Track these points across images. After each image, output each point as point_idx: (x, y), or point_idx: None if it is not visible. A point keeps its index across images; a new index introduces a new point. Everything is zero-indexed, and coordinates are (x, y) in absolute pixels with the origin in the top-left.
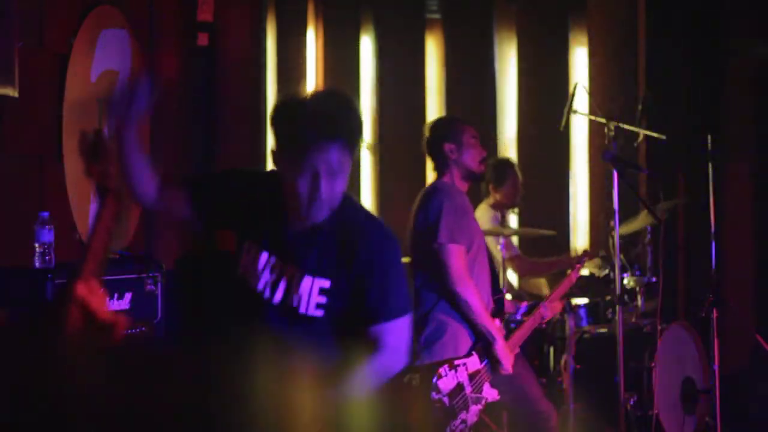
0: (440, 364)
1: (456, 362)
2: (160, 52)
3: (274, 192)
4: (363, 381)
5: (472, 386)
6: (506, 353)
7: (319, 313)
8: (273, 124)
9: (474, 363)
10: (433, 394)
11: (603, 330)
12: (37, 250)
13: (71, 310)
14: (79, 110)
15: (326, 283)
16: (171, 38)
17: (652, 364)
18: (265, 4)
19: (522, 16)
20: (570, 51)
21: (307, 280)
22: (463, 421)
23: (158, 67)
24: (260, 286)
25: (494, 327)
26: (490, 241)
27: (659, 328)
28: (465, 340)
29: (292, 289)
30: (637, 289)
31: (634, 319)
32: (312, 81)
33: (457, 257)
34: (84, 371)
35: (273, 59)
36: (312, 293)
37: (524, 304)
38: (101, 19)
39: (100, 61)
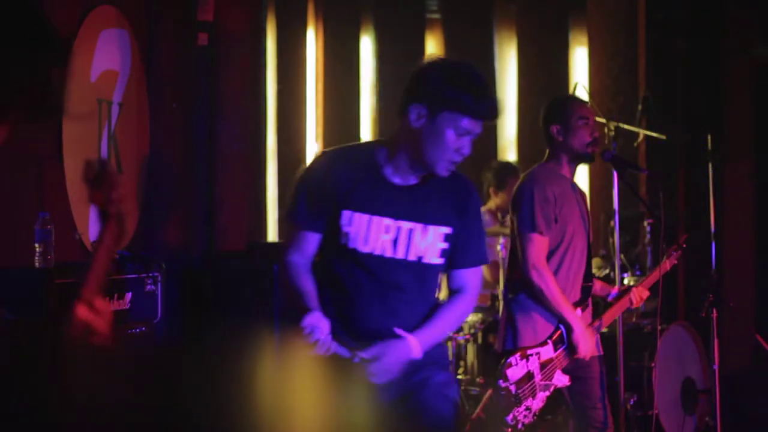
0: (512, 352)
1: (529, 351)
2: (160, 52)
3: (360, 161)
4: (458, 319)
5: (542, 374)
6: (585, 340)
7: (441, 260)
8: (429, 82)
9: (548, 351)
10: (501, 381)
11: (603, 330)
12: (37, 250)
13: (70, 330)
14: (79, 110)
15: (449, 230)
16: (171, 38)
17: (652, 364)
18: (265, 4)
19: (522, 16)
20: (570, 51)
21: (430, 230)
22: (528, 408)
23: (158, 67)
24: (376, 248)
25: (573, 315)
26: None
27: (659, 328)
28: (542, 328)
29: (415, 242)
30: None
31: (634, 319)
32: (312, 81)
33: (535, 246)
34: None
35: (273, 59)
36: (436, 241)
37: (615, 289)
38: (101, 19)
39: (100, 61)
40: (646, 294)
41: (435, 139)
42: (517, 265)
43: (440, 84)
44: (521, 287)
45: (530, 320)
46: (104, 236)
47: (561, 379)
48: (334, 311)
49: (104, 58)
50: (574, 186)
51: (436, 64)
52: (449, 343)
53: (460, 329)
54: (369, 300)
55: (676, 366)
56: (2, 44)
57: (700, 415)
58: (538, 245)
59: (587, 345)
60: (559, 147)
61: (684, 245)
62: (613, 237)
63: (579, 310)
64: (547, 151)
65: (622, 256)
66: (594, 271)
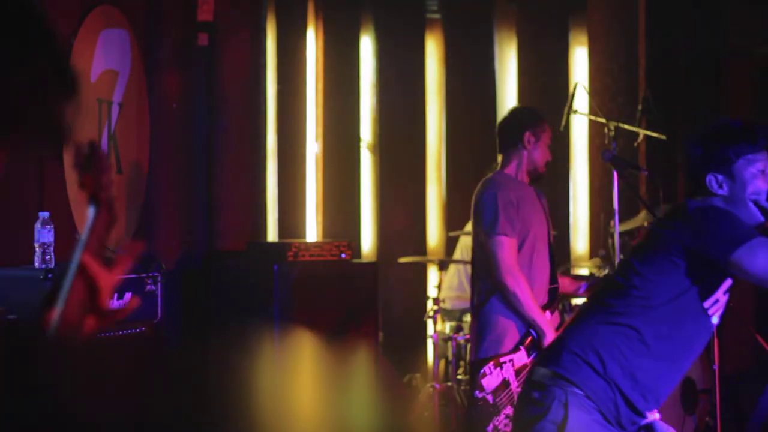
0: (485, 361)
1: (502, 359)
2: (160, 52)
3: None
4: None
5: (518, 381)
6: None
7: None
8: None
9: (521, 358)
10: (477, 392)
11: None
12: (37, 250)
13: (75, 290)
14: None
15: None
16: (171, 38)
17: None
18: (265, 4)
19: (522, 16)
20: (570, 51)
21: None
22: (507, 416)
23: (158, 67)
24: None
25: (544, 320)
26: None
27: None
28: (513, 334)
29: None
30: None
31: None
32: (312, 81)
33: (505, 249)
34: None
35: (273, 59)
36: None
37: (584, 284)
38: (101, 19)
39: (100, 61)
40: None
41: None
42: (484, 272)
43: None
44: (489, 294)
45: (500, 327)
46: (95, 223)
47: None
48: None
49: (104, 58)
50: (535, 190)
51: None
52: (449, 343)
53: (460, 329)
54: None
55: None
56: (8, 71)
57: (700, 415)
58: (508, 248)
59: None
60: (523, 154)
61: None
62: (613, 237)
63: (548, 312)
64: (501, 157)
65: (621, 256)
66: (593, 271)
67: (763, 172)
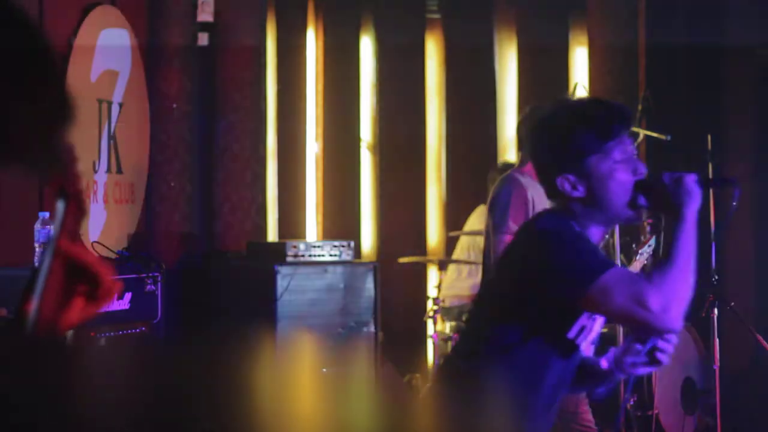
0: None
1: None
2: (160, 52)
3: None
4: None
5: None
6: None
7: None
8: None
9: None
10: None
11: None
12: (37, 250)
13: (51, 284)
14: (79, 110)
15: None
16: (171, 38)
17: None
18: (265, 4)
19: (522, 16)
20: (570, 51)
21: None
22: None
23: (158, 67)
24: (589, 351)
25: None
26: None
27: None
28: None
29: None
30: None
31: None
32: (312, 81)
33: None
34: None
35: (273, 59)
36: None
37: None
38: (101, 19)
39: (100, 61)
40: None
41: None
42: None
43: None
44: None
45: None
46: (65, 217)
47: None
48: None
49: (104, 58)
50: None
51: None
52: (449, 343)
53: (460, 329)
54: None
55: (676, 366)
56: (8, 101)
57: (700, 415)
58: None
59: None
60: None
61: (652, 244)
62: (613, 237)
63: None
64: (520, 155)
65: (622, 256)
66: None
67: (622, 161)
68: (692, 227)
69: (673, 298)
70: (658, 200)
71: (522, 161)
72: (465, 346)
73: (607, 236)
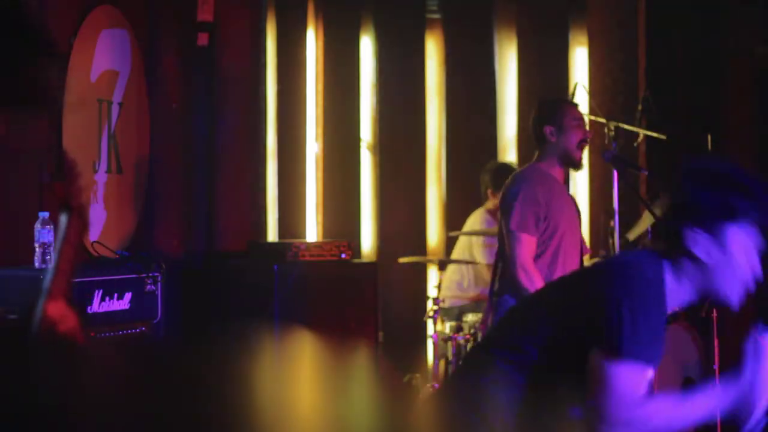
0: None
1: None
2: (160, 52)
3: None
4: None
5: None
6: None
7: None
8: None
9: None
10: None
11: None
12: (37, 250)
13: (53, 292)
14: (79, 110)
15: None
16: (171, 38)
17: None
18: (265, 4)
19: (522, 16)
20: (570, 51)
21: None
22: None
23: (158, 67)
24: None
25: None
26: (479, 241)
27: None
28: None
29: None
30: None
31: None
32: (312, 81)
33: (523, 246)
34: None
35: (273, 59)
36: None
37: None
38: (101, 19)
39: (100, 61)
40: None
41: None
42: (504, 267)
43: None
44: (506, 289)
45: None
46: (68, 231)
47: None
48: None
49: (104, 58)
50: (565, 188)
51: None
52: (449, 343)
53: (460, 329)
54: None
55: (676, 366)
56: None
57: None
58: (527, 245)
59: None
60: (551, 148)
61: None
62: (613, 237)
63: None
64: (537, 152)
65: None
66: None
67: (754, 254)
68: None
69: None
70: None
71: (538, 157)
72: (507, 340)
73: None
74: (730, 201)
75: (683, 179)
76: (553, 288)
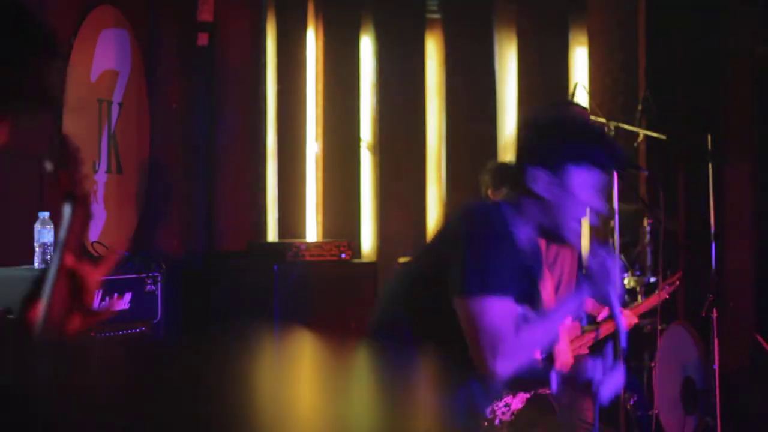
0: None
1: None
2: (160, 52)
3: None
4: None
5: None
6: (564, 353)
7: None
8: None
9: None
10: None
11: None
12: (37, 250)
13: (58, 288)
14: (79, 110)
15: None
16: (171, 38)
17: (652, 364)
18: (265, 4)
19: (522, 16)
20: (570, 51)
21: None
22: (507, 405)
23: (158, 67)
24: None
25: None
26: None
27: (659, 328)
28: None
29: None
30: (638, 289)
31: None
32: (312, 81)
33: None
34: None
35: (273, 59)
36: None
37: (606, 311)
38: (101, 19)
39: (100, 61)
40: (634, 320)
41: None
42: None
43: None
44: None
45: None
46: (72, 221)
47: None
48: None
49: (104, 58)
50: None
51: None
52: None
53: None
54: None
55: (676, 366)
56: None
57: (700, 415)
58: None
59: (565, 358)
60: None
61: (678, 282)
62: (613, 237)
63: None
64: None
65: (622, 256)
66: None
67: (597, 191)
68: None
69: (517, 360)
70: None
71: None
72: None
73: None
74: (571, 144)
75: (528, 124)
76: (408, 272)
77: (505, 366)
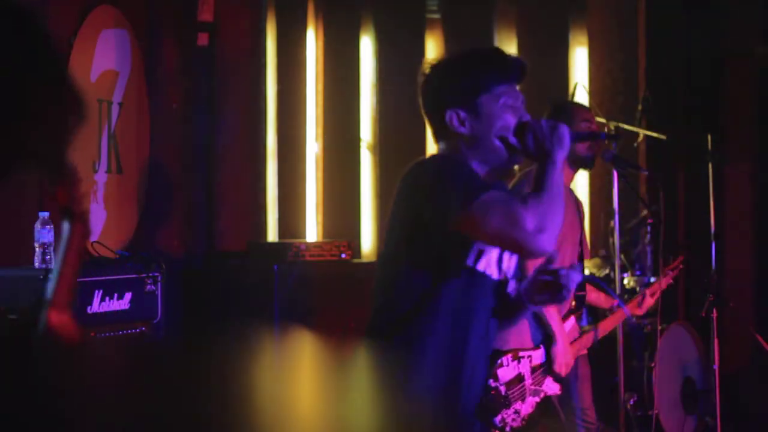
0: (505, 353)
1: (521, 353)
2: (160, 53)
3: None
4: None
5: (533, 378)
6: (563, 355)
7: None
8: None
9: (540, 356)
10: (491, 381)
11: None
12: (37, 250)
13: (57, 297)
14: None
15: None
16: (171, 38)
17: (652, 364)
18: (265, 4)
19: (522, 16)
20: (570, 51)
21: None
22: (517, 411)
23: (158, 67)
24: (497, 273)
25: (559, 326)
26: None
27: (659, 328)
28: (536, 331)
29: (504, 260)
30: (637, 289)
31: (634, 319)
32: (312, 81)
33: None
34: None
35: (273, 59)
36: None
37: (616, 302)
38: (101, 19)
39: (100, 61)
40: (639, 311)
41: (489, 129)
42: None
43: (458, 77)
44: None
45: (525, 322)
46: (71, 238)
47: (552, 387)
48: None
49: (104, 58)
50: (570, 192)
51: (434, 67)
52: None
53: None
54: None
55: (676, 366)
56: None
57: (700, 415)
58: None
59: (565, 361)
60: None
61: (681, 266)
62: (613, 237)
63: (571, 318)
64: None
65: (622, 256)
66: (594, 271)
67: (512, 106)
68: (560, 172)
69: (547, 220)
70: (534, 143)
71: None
72: (379, 304)
73: (608, 237)
74: (471, 79)
75: (428, 73)
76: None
77: (539, 228)
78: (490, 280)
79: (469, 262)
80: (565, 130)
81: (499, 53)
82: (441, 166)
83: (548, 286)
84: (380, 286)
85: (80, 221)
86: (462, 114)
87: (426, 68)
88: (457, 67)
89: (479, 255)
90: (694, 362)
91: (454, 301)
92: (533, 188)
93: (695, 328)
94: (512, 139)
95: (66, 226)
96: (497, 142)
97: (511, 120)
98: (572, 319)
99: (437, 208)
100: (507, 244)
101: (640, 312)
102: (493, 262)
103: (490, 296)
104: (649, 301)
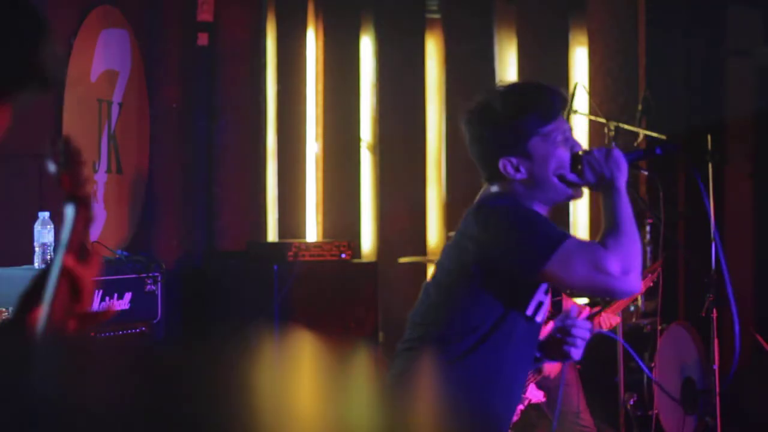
0: None
1: None
2: (160, 53)
3: None
4: None
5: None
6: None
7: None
8: None
9: None
10: None
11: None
12: (37, 250)
13: (60, 290)
14: (79, 110)
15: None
16: (171, 38)
17: (652, 364)
18: (265, 4)
19: (522, 16)
20: (570, 51)
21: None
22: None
23: (158, 67)
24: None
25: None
26: None
27: (659, 328)
28: None
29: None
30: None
31: (634, 319)
32: (312, 81)
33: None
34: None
35: (273, 59)
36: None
37: (586, 311)
38: (101, 19)
39: (100, 61)
40: (616, 320)
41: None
42: None
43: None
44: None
45: None
46: (75, 223)
47: (536, 395)
48: None
49: (104, 58)
50: None
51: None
52: None
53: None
54: None
55: (676, 366)
56: None
57: (700, 415)
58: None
59: (551, 363)
60: None
61: (660, 269)
62: None
63: (550, 324)
64: None
65: None
66: None
67: (562, 141)
68: (626, 197)
69: (631, 261)
70: (592, 174)
71: None
72: (418, 334)
73: None
74: (517, 128)
75: (471, 124)
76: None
77: (625, 270)
78: (538, 332)
79: (529, 312)
80: (619, 154)
81: (539, 92)
82: (513, 213)
83: (559, 344)
84: (427, 309)
85: (84, 206)
86: (515, 161)
87: (468, 118)
88: (500, 117)
89: (538, 307)
90: (694, 362)
91: (505, 347)
92: (607, 225)
93: (695, 328)
94: (570, 176)
95: (69, 211)
96: (556, 180)
97: (565, 155)
98: (550, 325)
99: (515, 262)
100: (596, 290)
101: (607, 327)
102: (543, 314)
103: (533, 348)
104: (607, 323)
